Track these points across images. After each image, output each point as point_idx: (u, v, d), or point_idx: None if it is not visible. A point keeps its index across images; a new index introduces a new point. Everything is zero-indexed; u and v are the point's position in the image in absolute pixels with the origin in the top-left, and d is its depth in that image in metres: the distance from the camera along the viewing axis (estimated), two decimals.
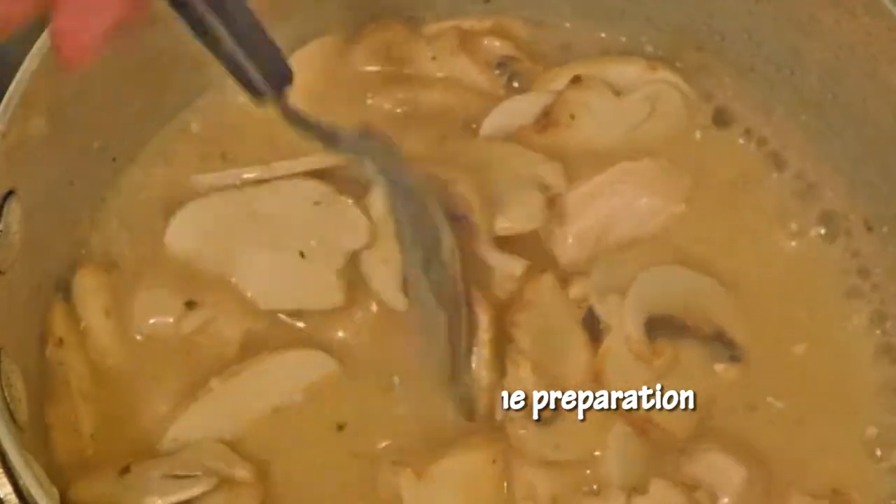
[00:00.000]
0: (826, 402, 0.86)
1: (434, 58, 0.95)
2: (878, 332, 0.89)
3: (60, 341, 0.83)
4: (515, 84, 0.96)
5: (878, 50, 0.84)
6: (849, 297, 0.90)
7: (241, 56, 0.65)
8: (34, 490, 0.68)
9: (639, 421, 0.82)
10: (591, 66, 0.94)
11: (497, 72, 0.96)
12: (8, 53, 0.77)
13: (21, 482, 0.70)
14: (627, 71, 0.94)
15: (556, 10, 0.98)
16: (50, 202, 0.83)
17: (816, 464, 0.84)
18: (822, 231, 0.92)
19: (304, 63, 0.94)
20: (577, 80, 0.92)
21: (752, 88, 0.95)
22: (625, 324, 0.83)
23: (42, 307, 0.83)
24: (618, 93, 0.93)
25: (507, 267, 0.85)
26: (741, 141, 0.95)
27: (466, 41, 0.96)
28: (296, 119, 0.73)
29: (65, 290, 0.86)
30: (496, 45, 0.97)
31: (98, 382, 0.83)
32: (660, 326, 0.84)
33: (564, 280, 0.87)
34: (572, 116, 0.91)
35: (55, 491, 0.71)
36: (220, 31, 0.62)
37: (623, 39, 0.98)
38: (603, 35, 0.98)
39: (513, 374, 0.82)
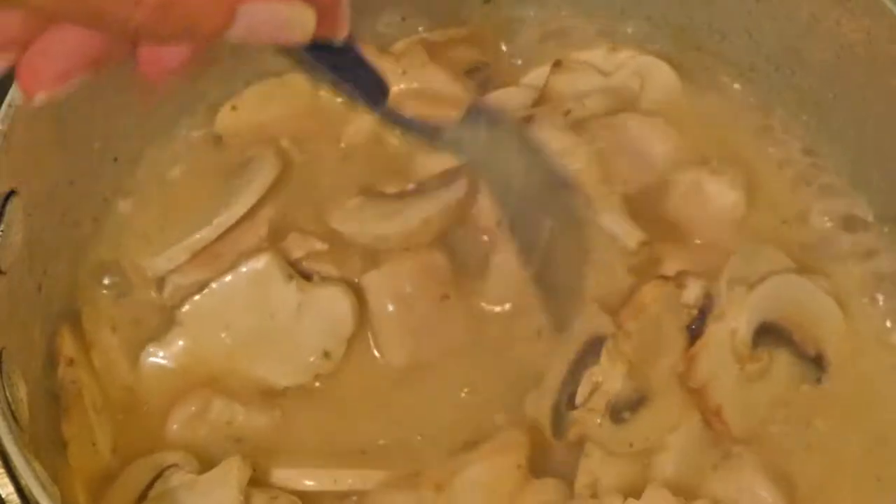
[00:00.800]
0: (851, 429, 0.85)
1: (404, 72, 0.93)
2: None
3: (71, 361, 0.82)
4: (489, 89, 0.95)
5: (879, 50, 0.84)
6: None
7: (346, 84, 0.70)
8: (36, 490, 0.68)
9: (709, 412, 0.81)
10: (570, 53, 0.95)
11: (468, 79, 0.94)
12: None
13: (23, 482, 0.69)
14: (607, 56, 0.95)
15: (555, 9, 0.99)
16: (51, 202, 0.82)
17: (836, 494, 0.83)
18: (824, 231, 0.92)
19: (272, 96, 0.94)
20: (558, 64, 0.92)
21: (753, 88, 0.95)
22: (739, 317, 0.82)
23: (45, 308, 0.83)
24: (604, 73, 0.93)
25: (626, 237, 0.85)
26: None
27: (434, 53, 0.95)
28: (397, 121, 0.76)
29: (71, 309, 0.86)
30: (465, 53, 0.96)
31: (110, 398, 0.83)
32: (768, 332, 0.83)
33: (679, 283, 0.84)
34: (566, 112, 0.90)
35: (57, 491, 0.71)
36: (328, 70, 0.67)
37: (623, 38, 0.98)
38: (602, 34, 0.98)
39: (608, 368, 0.80)
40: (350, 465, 0.80)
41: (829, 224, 0.92)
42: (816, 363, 0.85)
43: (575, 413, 0.80)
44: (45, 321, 0.82)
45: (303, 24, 0.60)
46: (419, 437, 0.82)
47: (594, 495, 0.79)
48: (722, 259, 0.85)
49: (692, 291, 0.84)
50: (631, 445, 0.80)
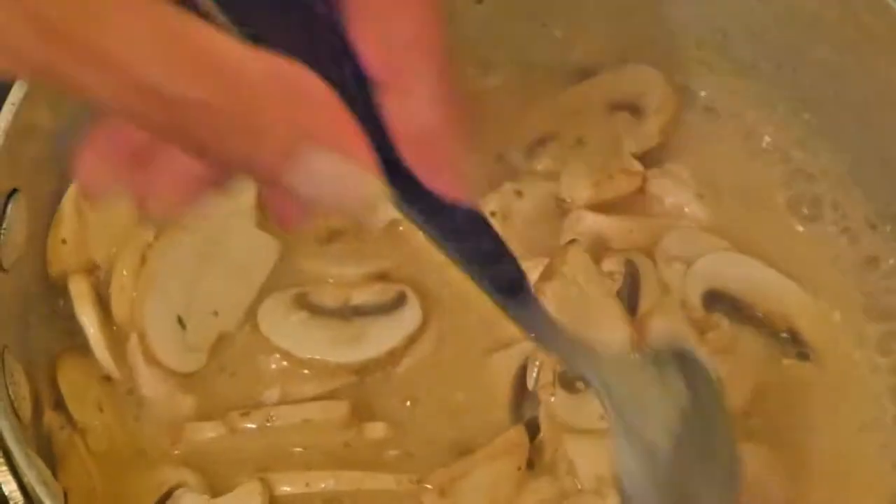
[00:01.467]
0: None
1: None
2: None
3: (56, 404, 0.80)
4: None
5: (880, 48, 0.84)
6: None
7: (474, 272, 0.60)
8: (38, 487, 0.69)
9: None
10: None
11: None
12: None
13: (25, 479, 0.70)
14: None
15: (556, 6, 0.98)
16: (53, 202, 0.82)
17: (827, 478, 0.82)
18: (826, 230, 0.92)
19: None
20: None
21: (754, 86, 0.95)
22: (685, 287, 0.83)
23: (46, 308, 0.83)
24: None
25: None
26: (744, 141, 0.95)
27: None
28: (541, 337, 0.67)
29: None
30: None
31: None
32: (721, 302, 0.84)
33: (597, 255, 0.85)
34: None
35: (59, 488, 0.72)
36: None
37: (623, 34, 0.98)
38: (604, 33, 0.98)
39: None
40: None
41: (828, 223, 0.92)
42: (794, 340, 0.85)
43: (531, 401, 0.80)
44: (47, 321, 0.83)
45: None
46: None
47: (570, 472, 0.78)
48: None
49: (612, 261, 0.84)
50: (602, 418, 0.78)
